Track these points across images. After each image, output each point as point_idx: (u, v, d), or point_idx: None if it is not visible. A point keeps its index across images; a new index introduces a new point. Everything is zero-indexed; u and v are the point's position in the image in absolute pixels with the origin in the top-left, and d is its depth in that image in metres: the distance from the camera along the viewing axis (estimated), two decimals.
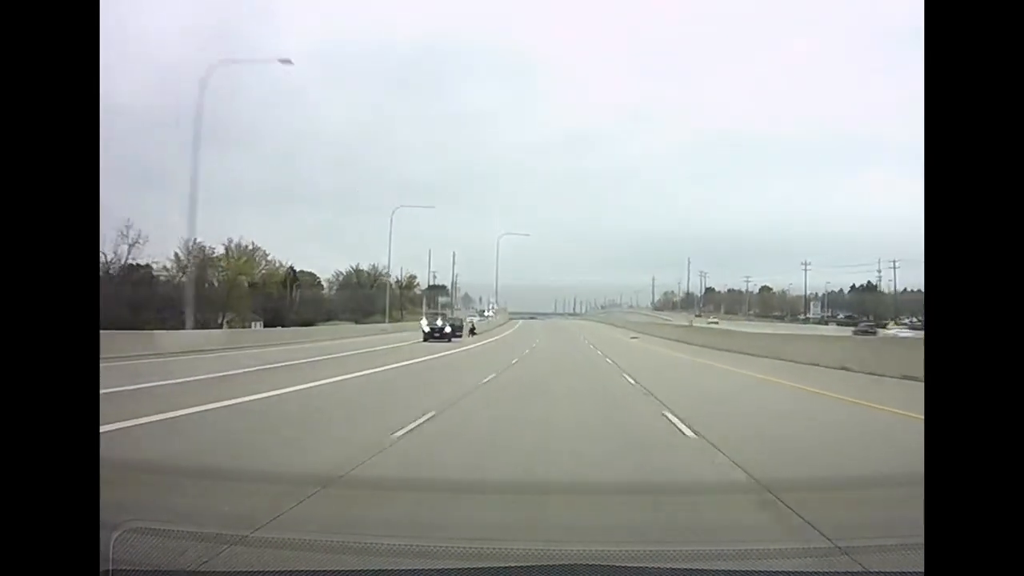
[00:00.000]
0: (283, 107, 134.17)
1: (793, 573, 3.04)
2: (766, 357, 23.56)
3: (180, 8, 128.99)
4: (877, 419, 9.74)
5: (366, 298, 78.79)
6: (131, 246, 50.87)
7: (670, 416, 9.43)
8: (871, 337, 38.03)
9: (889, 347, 21.33)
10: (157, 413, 8.49)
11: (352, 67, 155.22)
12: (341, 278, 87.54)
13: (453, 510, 4.71)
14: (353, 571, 2.75)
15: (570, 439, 7.60)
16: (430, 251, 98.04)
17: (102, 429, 5.44)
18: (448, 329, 39.14)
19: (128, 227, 49.66)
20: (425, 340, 36.30)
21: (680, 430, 8.29)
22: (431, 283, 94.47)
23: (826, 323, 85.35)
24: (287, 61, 36.65)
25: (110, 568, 2.24)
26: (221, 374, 15.02)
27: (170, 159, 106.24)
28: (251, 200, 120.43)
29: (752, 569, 2.90)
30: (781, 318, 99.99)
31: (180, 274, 57.29)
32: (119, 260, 51.10)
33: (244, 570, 2.95)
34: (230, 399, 10.39)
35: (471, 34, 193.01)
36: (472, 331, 50.81)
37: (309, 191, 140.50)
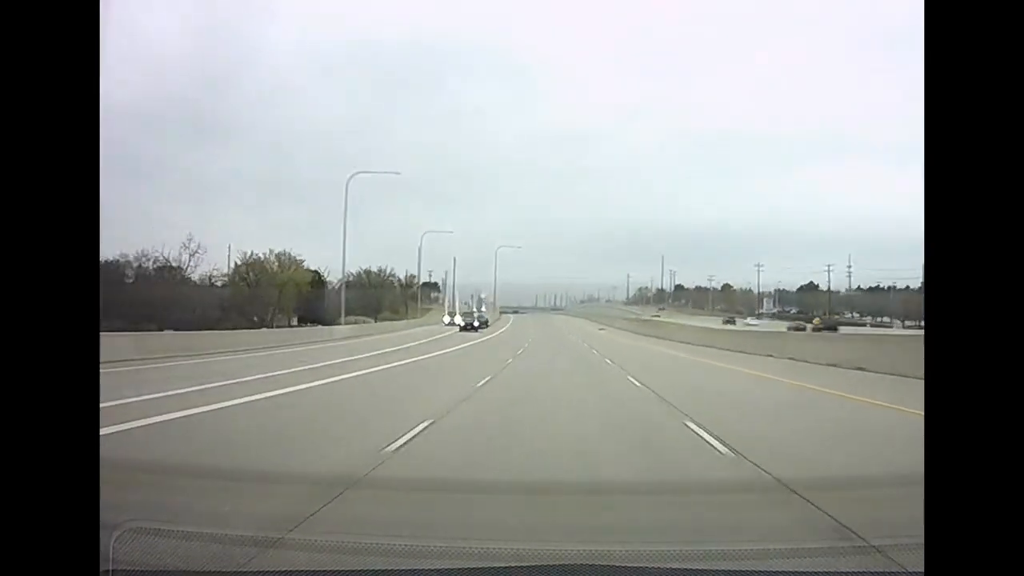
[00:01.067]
0: (280, 105, 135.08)
1: (792, 573, 3.06)
2: (663, 338, 45.36)
3: (178, 6, 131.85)
4: (677, 358, 30.55)
5: (374, 296, 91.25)
6: (192, 256, 57.42)
7: (595, 352, 31.00)
8: (731, 326, 61.28)
9: (727, 333, 42.88)
10: (444, 348, 29.51)
11: (350, 65, 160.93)
12: (351, 278, 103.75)
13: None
14: (354, 571, 2.88)
15: (561, 362, 28.71)
16: (420, 250, 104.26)
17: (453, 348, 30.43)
18: (477, 324, 60.91)
19: (190, 239, 57.20)
20: (461, 331, 57.21)
21: (595, 353, 30.01)
22: (425, 280, 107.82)
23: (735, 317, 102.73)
24: (396, 172, 50.65)
25: (110, 568, 2.35)
26: (416, 342, 35.29)
27: (168, 155, 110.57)
28: (243, 195, 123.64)
29: (751, 569, 3.00)
30: (740, 313, 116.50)
31: (239, 280, 74.55)
32: (183, 268, 60.87)
33: (245, 570, 2.99)
34: (454, 346, 31.32)
35: (468, 34, 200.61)
36: (486, 324, 72.09)
37: (301, 186, 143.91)
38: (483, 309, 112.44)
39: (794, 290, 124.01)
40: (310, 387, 13.74)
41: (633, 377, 17.57)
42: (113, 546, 2.49)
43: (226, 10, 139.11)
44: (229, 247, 69.21)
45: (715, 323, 71.04)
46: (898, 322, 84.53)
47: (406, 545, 3.44)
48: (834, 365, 20.33)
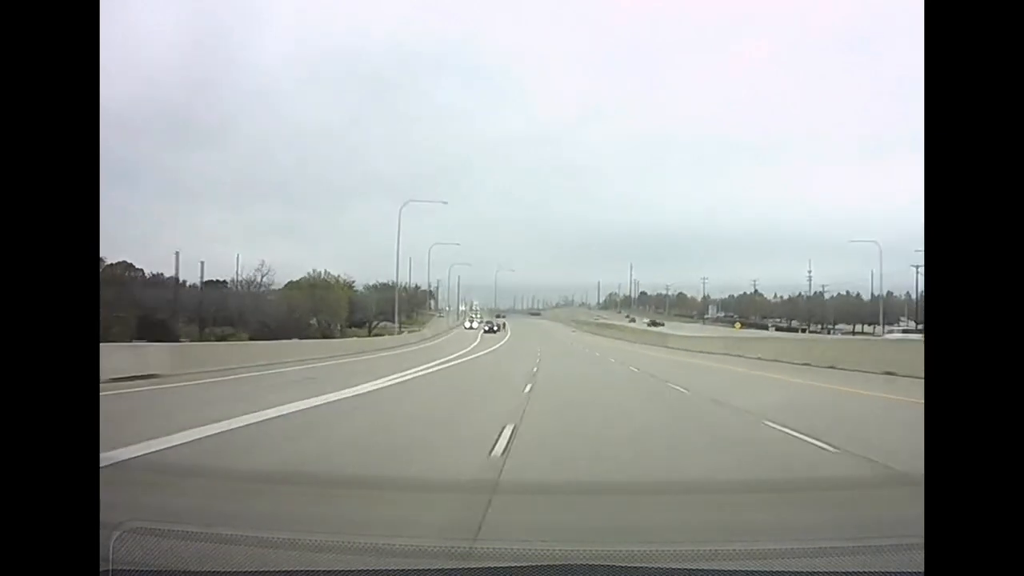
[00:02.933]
0: (259, 108, 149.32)
1: (792, 573, 3.13)
2: (600, 335, 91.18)
3: (164, 13, 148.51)
4: (583, 339, 74.65)
5: (388, 303, 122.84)
6: (264, 275, 70.56)
7: (568, 341, 76.24)
8: (632, 324, 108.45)
9: (628, 329, 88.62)
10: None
11: (330, 70, 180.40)
12: (368, 287, 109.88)
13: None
14: (355, 571, 2.96)
15: (555, 345, 71.76)
16: (401, 250, 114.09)
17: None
18: (496, 328, 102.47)
19: (263, 263, 71.08)
20: (486, 333, 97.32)
21: (567, 342, 75.45)
22: (421, 287, 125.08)
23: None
24: (443, 202, 66.59)
25: (110, 568, 2.41)
26: (480, 336, 76.61)
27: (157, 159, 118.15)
28: (225, 197, 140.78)
29: (748, 569, 3.10)
30: (691, 317, 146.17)
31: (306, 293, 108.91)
32: (258, 286, 73.11)
33: (245, 570, 3.06)
34: (507, 339, 74.88)
35: (451, 40, 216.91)
36: (502, 327, 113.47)
37: (283, 188, 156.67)
38: (479, 314, 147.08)
39: (738, 297, 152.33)
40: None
41: (579, 342, 63.28)
42: (113, 546, 2.55)
43: (212, 18, 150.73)
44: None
45: (627, 323, 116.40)
46: (806, 325, 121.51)
47: (405, 545, 3.61)
48: (643, 343, 64.45)
